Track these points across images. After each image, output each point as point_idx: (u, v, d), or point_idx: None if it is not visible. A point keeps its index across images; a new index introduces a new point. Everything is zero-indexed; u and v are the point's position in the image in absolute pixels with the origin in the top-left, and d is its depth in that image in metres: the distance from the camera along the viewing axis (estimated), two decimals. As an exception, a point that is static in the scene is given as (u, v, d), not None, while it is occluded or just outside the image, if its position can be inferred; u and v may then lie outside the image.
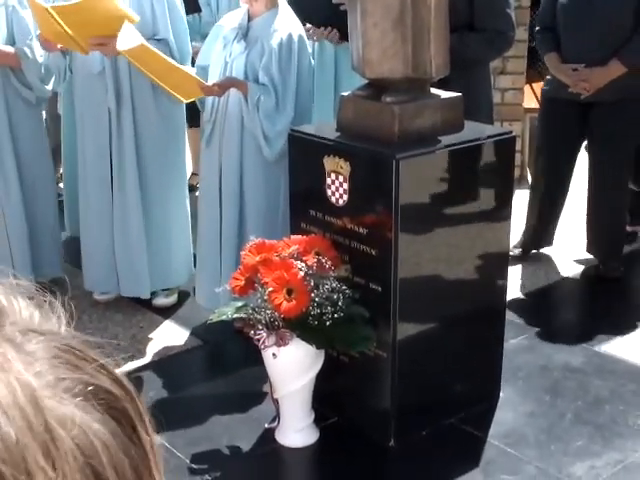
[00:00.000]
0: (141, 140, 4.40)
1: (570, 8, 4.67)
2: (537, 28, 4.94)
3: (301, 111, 4.00)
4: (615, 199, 4.93)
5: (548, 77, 5.00)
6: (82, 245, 4.67)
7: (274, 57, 3.89)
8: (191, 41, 4.55)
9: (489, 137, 3.45)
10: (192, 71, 4.07)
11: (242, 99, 3.92)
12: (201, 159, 4.33)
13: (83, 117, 4.48)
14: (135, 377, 4.01)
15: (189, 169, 5.57)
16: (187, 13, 4.62)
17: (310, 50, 4.19)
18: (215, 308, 3.55)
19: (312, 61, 4.16)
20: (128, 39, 3.87)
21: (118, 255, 4.52)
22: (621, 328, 4.41)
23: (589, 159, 4.92)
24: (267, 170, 4.03)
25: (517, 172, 5.08)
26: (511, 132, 3.54)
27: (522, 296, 4.80)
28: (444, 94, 3.45)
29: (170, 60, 4.01)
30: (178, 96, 4.08)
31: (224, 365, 4.21)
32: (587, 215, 5.04)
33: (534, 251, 5.24)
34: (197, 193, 4.64)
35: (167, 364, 4.15)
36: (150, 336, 4.40)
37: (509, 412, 3.70)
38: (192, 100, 4.27)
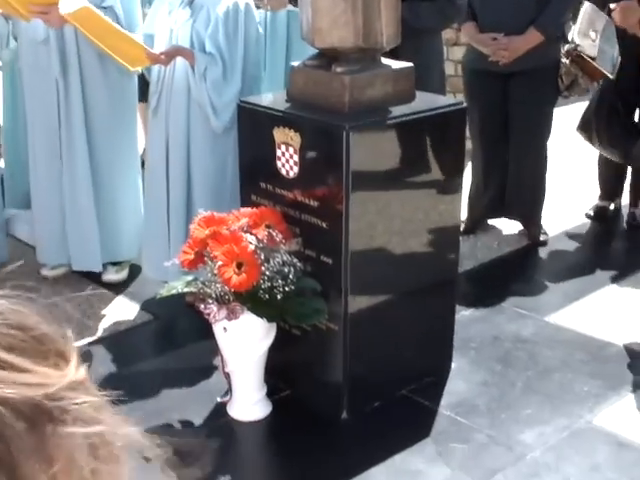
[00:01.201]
0: (90, 111, 4.32)
1: None
2: None
3: (249, 81, 3.96)
4: (535, 164, 5.00)
5: (466, 49, 5.01)
6: (34, 218, 4.60)
7: (221, 26, 3.84)
8: (142, 7, 4.48)
9: (440, 108, 3.44)
10: (139, 38, 4.00)
11: (189, 69, 3.88)
12: (149, 130, 4.28)
13: (30, 87, 4.40)
14: (85, 353, 3.97)
15: (142, 143, 5.51)
16: None
17: (260, 19, 4.14)
18: (164, 279, 3.51)
19: (260, 30, 4.11)
20: (71, 2, 3.79)
21: (69, 228, 4.46)
22: (570, 298, 4.45)
23: (510, 126, 4.95)
24: (215, 141, 3.99)
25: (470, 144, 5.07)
26: (462, 103, 3.54)
27: (473, 268, 4.81)
28: (395, 64, 3.43)
29: (116, 26, 3.95)
30: (126, 64, 4.01)
31: (175, 340, 4.18)
32: (509, 181, 5.08)
33: (488, 222, 5.26)
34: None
35: (117, 340, 4.12)
36: (100, 312, 4.35)
37: (461, 382, 3.71)
38: (141, 73, 4.21)
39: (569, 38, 4.81)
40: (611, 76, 4.80)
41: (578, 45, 4.75)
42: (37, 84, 4.33)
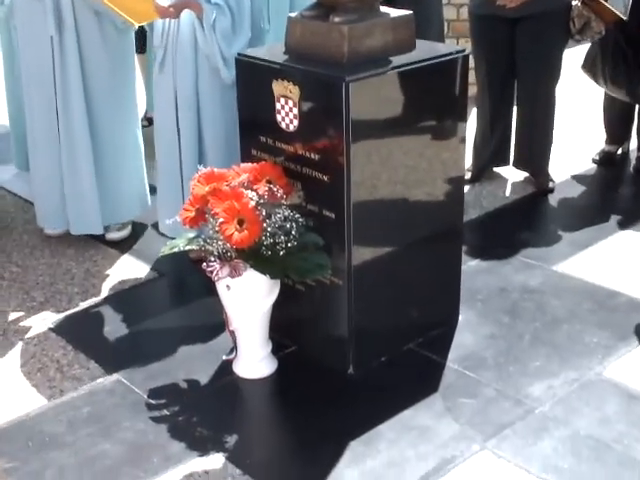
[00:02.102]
0: (87, 69, 4.26)
1: None
2: None
3: (256, 31, 3.90)
4: (543, 111, 4.95)
5: None
6: (31, 180, 4.57)
7: None
8: None
9: (442, 56, 3.38)
10: None
11: (196, 21, 3.82)
12: (155, 85, 4.21)
13: (24, 44, 4.33)
14: (90, 313, 3.95)
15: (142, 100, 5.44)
16: None
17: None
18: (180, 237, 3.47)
19: None
20: None
21: (67, 191, 4.41)
22: (578, 246, 4.42)
23: (518, 72, 4.89)
24: (224, 93, 3.93)
25: (474, 89, 4.99)
26: (464, 50, 3.46)
27: (479, 217, 4.77)
28: (394, 12, 3.36)
29: None
30: (131, 19, 3.92)
31: (180, 297, 4.17)
32: (516, 129, 5.03)
33: (494, 170, 5.21)
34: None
35: (122, 298, 4.09)
36: (104, 270, 4.33)
37: (468, 335, 3.69)
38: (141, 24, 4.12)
39: None
40: (624, 17, 4.75)
41: None
42: (32, 42, 4.25)
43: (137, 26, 4.04)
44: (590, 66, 5.03)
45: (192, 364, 3.53)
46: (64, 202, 4.45)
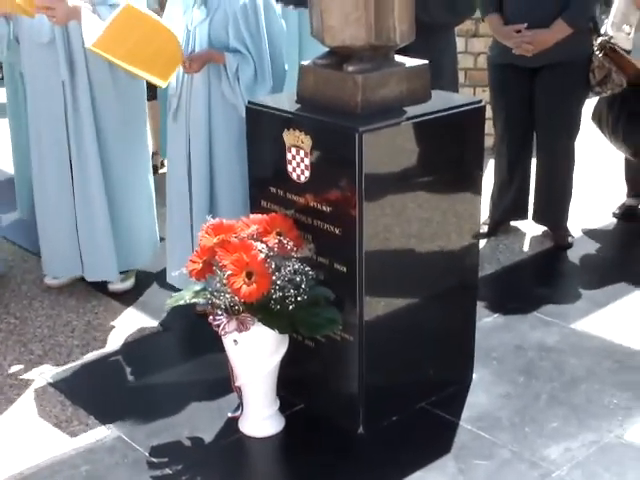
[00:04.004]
0: (99, 115, 4.32)
1: None
2: None
3: (277, 77, 3.95)
4: (563, 165, 4.98)
5: (492, 42, 5.00)
6: (40, 229, 4.60)
7: (241, 22, 3.84)
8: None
9: (457, 107, 3.41)
10: (170, 28, 3.89)
11: (219, 68, 3.88)
12: (168, 134, 4.26)
13: (34, 91, 4.38)
14: (91, 367, 3.97)
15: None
16: None
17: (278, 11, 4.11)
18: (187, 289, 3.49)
19: (283, 22, 4.07)
20: (93, 30, 3.76)
21: (82, 237, 4.46)
22: (597, 304, 4.42)
23: (537, 123, 4.92)
24: (238, 144, 3.96)
25: (491, 140, 5.04)
26: (480, 101, 3.49)
27: (495, 272, 4.78)
28: (409, 62, 3.40)
29: (150, 14, 3.86)
30: (157, 79, 3.90)
31: (185, 352, 4.16)
32: (536, 183, 5.05)
33: (510, 224, 5.23)
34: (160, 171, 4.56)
35: (125, 352, 4.10)
36: (106, 323, 4.35)
37: (482, 394, 3.68)
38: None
39: (602, 31, 4.79)
40: (646, 71, 4.78)
41: (612, 38, 4.74)
42: (42, 88, 4.31)
43: (166, 84, 4.01)
44: (597, 117, 5.07)
45: (196, 421, 3.53)
46: (74, 249, 4.49)
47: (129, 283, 4.65)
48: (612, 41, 4.73)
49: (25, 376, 3.90)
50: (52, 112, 4.30)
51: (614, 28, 4.78)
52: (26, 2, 3.89)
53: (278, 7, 4.12)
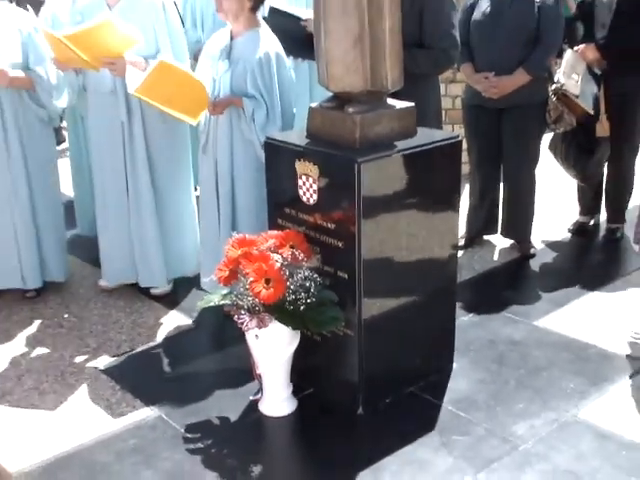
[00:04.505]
0: (151, 148, 4.31)
1: (481, 25, 4.70)
2: None
3: (287, 119, 3.92)
4: (526, 188, 4.95)
5: (466, 86, 4.98)
6: (101, 244, 4.57)
7: (257, 74, 3.81)
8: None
9: (438, 141, 3.39)
10: (199, 78, 3.88)
11: (239, 111, 3.85)
12: (200, 164, 4.23)
13: (98, 130, 4.38)
14: (136, 358, 3.94)
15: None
16: None
17: (289, 64, 4.09)
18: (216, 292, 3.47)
19: (292, 74, 4.05)
20: (136, 79, 3.78)
21: (137, 251, 4.45)
22: (556, 304, 4.38)
23: (503, 154, 4.89)
24: (256, 172, 3.93)
25: (467, 168, 5.02)
26: (457, 136, 3.47)
27: (472, 278, 4.75)
28: (399, 104, 3.39)
29: (183, 69, 3.89)
30: (188, 118, 3.92)
31: (214, 345, 4.13)
32: (503, 203, 5.03)
33: (483, 237, 5.21)
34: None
35: (164, 346, 4.08)
36: (149, 321, 4.32)
37: (461, 380, 3.65)
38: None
39: (555, 79, 4.78)
40: (591, 112, 4.76)
41: (563, 85, 4.71)
42: (105, 128, 4.32)
43: (196, 123, 4.02)
44: (553, 147, 5.05)
45: (223, 403, 3.51)
46: (130, 260, 4.47)
47: (168, 287, 4.62)
48: (563, 87, 4.71)
49: (82, 365, 3.89)
50: (113, 146, 4.30)
51: (565, 76, 4.76)
52: (92, 59, 3.90)
53: (289, 60, 4.09)
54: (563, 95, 4.71)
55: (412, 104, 3.41)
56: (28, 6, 4.41)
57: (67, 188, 5.31)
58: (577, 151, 4.91)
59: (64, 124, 5.71)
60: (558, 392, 3.55)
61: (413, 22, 4.00)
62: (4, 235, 4.41)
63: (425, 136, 3.41)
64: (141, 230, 4.39)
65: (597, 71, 4.85)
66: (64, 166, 5.08)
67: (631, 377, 3.65)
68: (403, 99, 3.42)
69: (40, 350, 4.05)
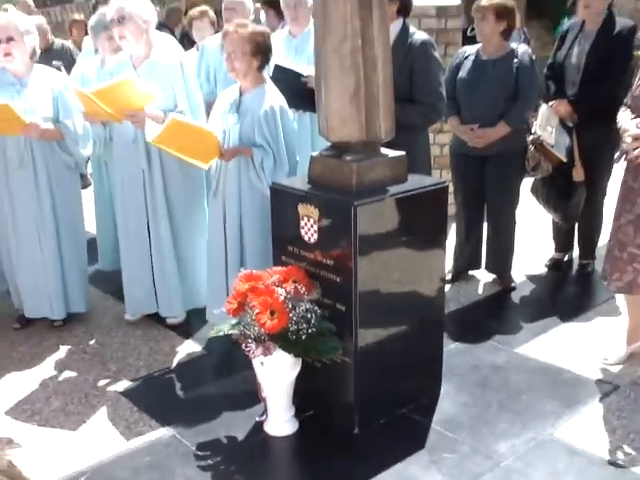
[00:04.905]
0: (169, 192, 4.34)
1: (467, 83, 4.73)
2: None
3: (290, 165, 3.94)
4: (507, 228, 4.95)
5: (453, 136, 5.02)
6: (124, 277, 4.57)
7: (264, 126, 3.83)
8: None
9: (427, 187, 3.42)
10: (210, 129, 3.93)
11: (247, 159, 3.87)
12: (210, 206, 4.25)
13: (121, 175, 4.41)
14: (152, 382, 3.95)
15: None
16: None
17: (292, 116, 4.13)
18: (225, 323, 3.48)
19: (295, 125, 4.08)
20: (154, 130, 3.84)
21: (157, 284, 4.46)
22: (534, 333, 4.38)
23: (487, 198, 4.91)
24: (261, 214, 3.92)
25: (453, 209, 5.05)
26: (444, 182, 3.50)
27: (458, 309, 4.74)
28: (391, 153, 3.42)
29: (194, 124, 3.96)
30: (200, 163, 3.95)
31: (224, 371, 4.09)
32: (487, 241, 5.04)
33: (469, 273, 5.22)
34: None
35: (177, 370, 4.07)
36: (164, 348, 4.32)
37: (448, 403, 3.64)
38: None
39: (532, 130, 4.83)
40: (565, 160, 4.80)
41: (540, 136, 4.76)
42: (128, 174, 4.35)
43: (207, 167, 4.06)
44: (535, 191, 5.08)
45: (232, 423, 3.50)
46: (151, 292, 4.48)
47: (182, 318, 4.62)
48: (540, 138, 4.75)
49: (104, 388, 3.89)
50: (135, 190, 4.33)
51: (541, 128, 4.80)
52: (116, 112, 3.98)
53: (292, 112, 4.14)
54: (540, 145, 4.75)
55: (403, 153, 3.44)
56: (62, 67, 4.50)
57: (90, 226, 5.34)
58: (557, 195, 4.94)
59: (89, 170, 5.75)
60: (536, 413, 3.54)
61: (404, 78, 4.05)
62: (34, 269, 4.44)
63: (415, 182, 3.43)
64: (161, 265, 4.41)
65: (569, 124, 4.90)
66: (88, 206, 5.11)
67: (601, 399, 3.65)
68: (395, 148, 3.45)
69: (66, 374, 4.05)
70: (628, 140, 3.56)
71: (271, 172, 3.84)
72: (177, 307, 4.53)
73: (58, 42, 7.65)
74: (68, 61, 6.82)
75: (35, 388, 3.91)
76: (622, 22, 4.89)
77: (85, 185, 7.22)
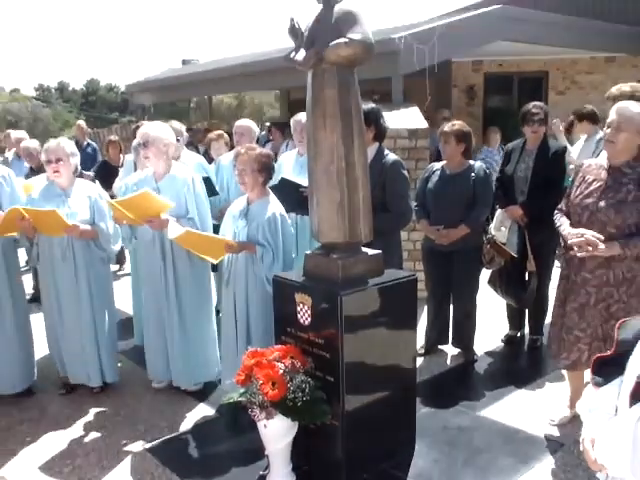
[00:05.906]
0: (179, 280, 4.37)
1: (434, 192, 4.82)
2: (414, 204, 4.95)
3: (287, 261, 4.00)
4: (469, 310, 4.96)
5: (424, 235, 5.09)
6: (146, 353, 4.59)
7: (267, 229, 3.91)
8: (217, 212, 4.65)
9: (400, 279, 3.46)
10: (219, 237, 4.05)
11: (253, 257, 3.93)
12: (223, 295, 4.26)
13: (145, 268, 4.47)
14: (174, 440, 3.90)
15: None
16: (210, 195, 4.68)
17: (291, 222, 4.20)
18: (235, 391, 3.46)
19: (292, 230, 4.16)
20: (175, 230, 3.95)
21: (171, 360, 4.46)
22: (494, 398, 4.35)
23: (452, 285, 4.92)
24: (265, 301, 3.94)
25: (424, 294, 5.07)
26: (414, 274, 3.54)
27: (429, 378, 4.71)
28: (370, 252, 3.47)
29: (205, 234, 4.08)
30: (210, 258, 4.05)
31: (234, 431, 4.06)
32: (453, 321, 5.05)
33: (438, 347, 5.21)
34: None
35: (196, 431, 4.03)
36: (185, 412, 4.28)
37: (421, 459, 3.60)
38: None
39: (488, 231, 4.90)
40: (515, 255, 4.85)
41: (494, 235, 4.83)
42: (148, 267, 4.43)
43: (217, 262, 4.13)
44: (492, 282, 5.11)
45: (240, 476, 3.46)
46: (166, 364, 4.47)
47: (199, 386, 4.59)
48: (494, 237, 4.82)
49: (133, 445, 3.85)
50: (154, 280, 4.39)
51: (495, 229, 4.87)
52: (137, 217, 4.12)
53: (289, 218, 4.21)
54: (494, 243, 4.81)
55: (380, 252, 3.50)
56: (96, 181, 4.63)
57: (125, 307, 5.36)
58: (514, 285, 4.97)
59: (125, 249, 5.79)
60: (496, 469, 3.49)
61: (379, 189, 4.14)
62: (75, 345, 4.45)
63: (390, 275, 3.48)
64: (171, 345, 4.42)
65: (521, 224, 4.98)
66: (125, 287, 5.12)
67: (551, 454, 3.61)
68: (373, 248, 3.51)
69: (102, 433, 4.02)
70: (575, 241, 3.44)
71: (270, 265, 3.90)
72: (186, 380, 4.49)
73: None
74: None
75: (77, 446, 3.87)
76: (555, 144, 5.06)
77: (121, 260, 7.42)
